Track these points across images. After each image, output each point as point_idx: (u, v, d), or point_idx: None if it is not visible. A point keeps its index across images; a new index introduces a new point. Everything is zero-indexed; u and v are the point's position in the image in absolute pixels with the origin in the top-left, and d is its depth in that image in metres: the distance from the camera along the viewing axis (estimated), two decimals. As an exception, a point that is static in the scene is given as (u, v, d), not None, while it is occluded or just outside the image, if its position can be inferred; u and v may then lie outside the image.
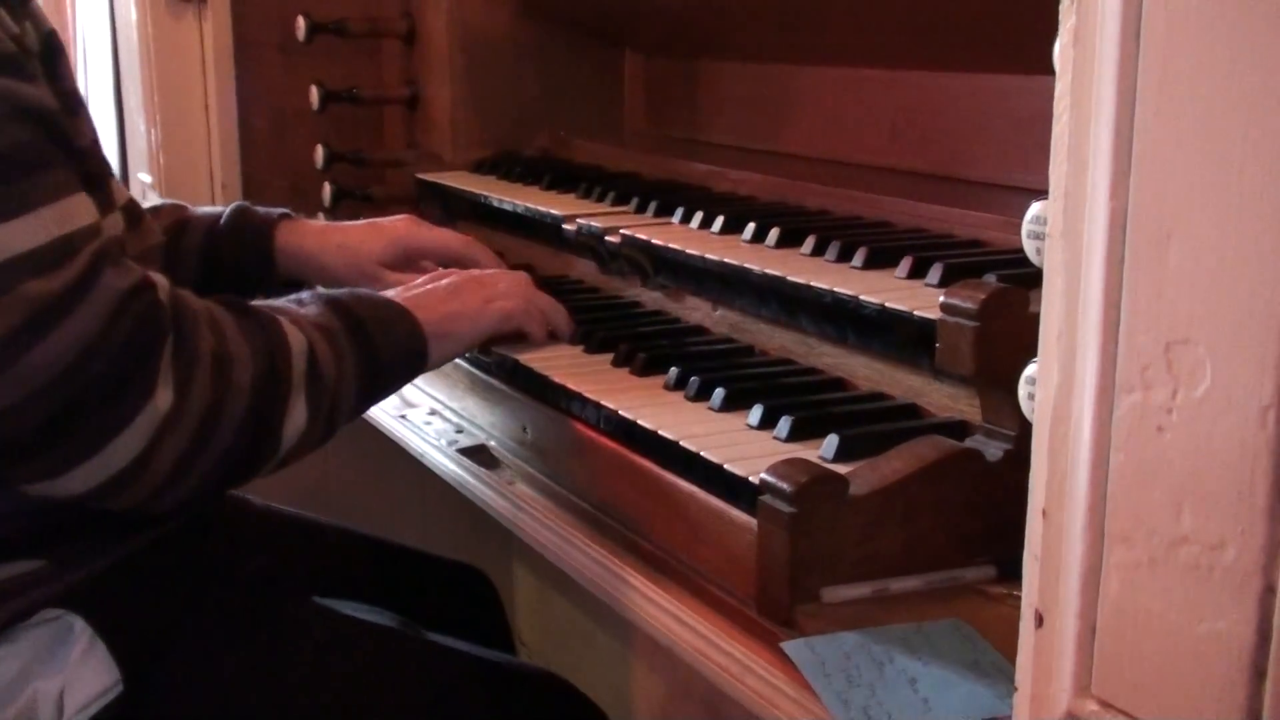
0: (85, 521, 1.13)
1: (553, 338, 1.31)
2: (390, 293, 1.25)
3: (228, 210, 1.50)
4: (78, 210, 1.00)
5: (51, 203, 0.98)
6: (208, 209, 1.53)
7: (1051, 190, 0.65)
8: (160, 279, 1.05)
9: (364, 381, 1.15)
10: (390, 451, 1.58)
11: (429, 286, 1.27)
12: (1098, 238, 0.58)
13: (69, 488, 1.00)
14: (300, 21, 2.05)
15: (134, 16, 2.19)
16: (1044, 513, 0.62)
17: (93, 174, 1.11)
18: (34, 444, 0.97)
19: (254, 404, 1.06)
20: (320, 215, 2.12)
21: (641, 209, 1.60)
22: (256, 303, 1.14)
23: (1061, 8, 0.66)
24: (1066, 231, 0.61)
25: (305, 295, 1.19)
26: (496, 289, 1.28)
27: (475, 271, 1.34)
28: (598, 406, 1.23)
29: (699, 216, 1.49)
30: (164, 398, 0.99)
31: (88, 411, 0.97)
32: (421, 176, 2.02)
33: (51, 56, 1.11)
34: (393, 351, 1.18)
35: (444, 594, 1.58)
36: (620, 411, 1.20)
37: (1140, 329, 0.56)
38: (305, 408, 1.10)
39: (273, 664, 1.21)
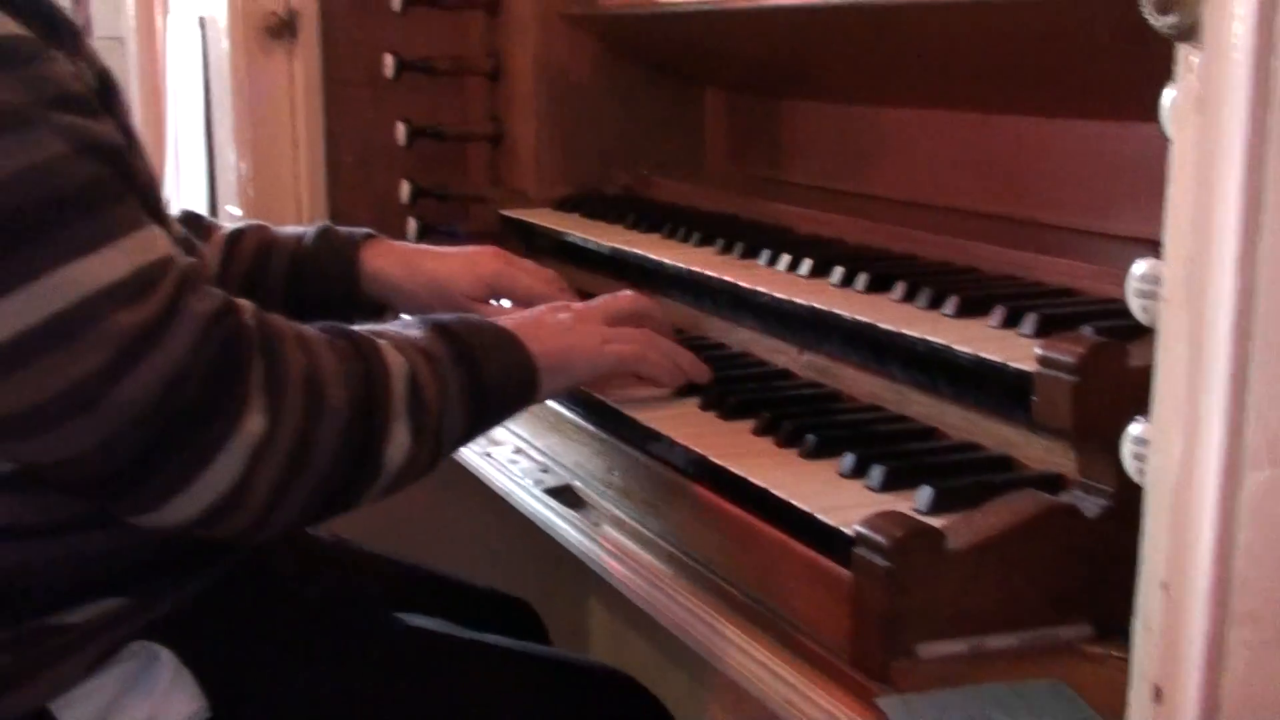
0: (166, 557, 1.14)
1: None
2: (505, 320, 1.24)
3: (312, 231, 1.50)
4: (154, 241, 1.01)
5: (130, 234, 0.99)
6: (291, 229, 1.53)
7: (1169, 255, 0.65)
8: (245, 302, 1.05)
9: (470, 408, 1.14)
10: (463, 482, 1.59)
11: (546, 319, 1.27)
12: (1223, 310, 0.58)
13: (169, 519, 1.00)
14: (389, 60, 2.08)
15: (226, 52, 2.23)
16: (1164, 586, 0.61)
17: (153, 207, 1.12)
18: (130, 477, 0.98)
19: (351, 426, 1.05)
20: (404, 248, 2.14)
21: (727, 250, 1.60)
22: (358, 327, 1.14)
23: (1177, 68, 0.65)
24: (1189, 301, 0.60)
25: (412, 319, 1.19)
26: (614, 331, 1.28)
27: (599, 304, 1.34)
28: (686, 451, 1.23)
29: (786, 259, 1.49)
30: (256, 422, 0.99)
31: (180, 441, 0.97)
32: (505, 213, 2.04)
33: (108, 93, 1.12)
34: (502, 380, 1.17)
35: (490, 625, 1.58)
36: (709, 456, 1.20)
37: (1270, 405, 0.55)
38: (408, 432, 1.08)
39: (353, 679, 1.22)
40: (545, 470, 1.45)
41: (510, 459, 1.50)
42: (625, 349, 1.29)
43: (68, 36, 1.05)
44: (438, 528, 2.25)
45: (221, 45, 2.27)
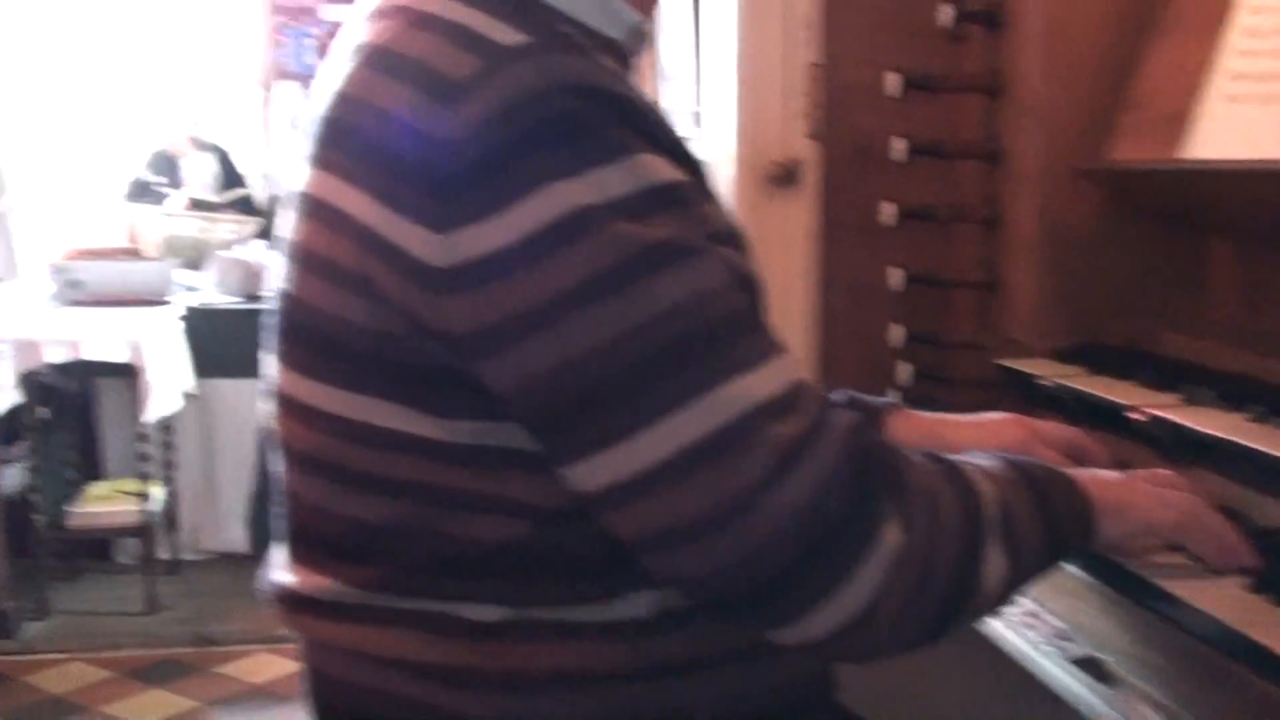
0: None
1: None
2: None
3: (840, 396, 1.56)
4: (794, 362, 1.09)
5: (778, 354, 1.07)
6: None
7: None
8: (861, 424, 1.10)
9: (1046, 540, 1.15)
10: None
11: (1094, 472, 1.27)
12: None
13: (809, 633, 1.04)
14: (889, 207, 2.13)
15: (730, 197, 2.36)
16: None
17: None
18: (777, 587, 1.02)
19: (963, 545, 1.07)
20: (888, 391, 2.17)
21: (1264, 417, 1.52)
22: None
23: None
24: None
25: (977, 452, 1.21)
26: (1167, 492, 1.26)
27: (1140, 473, 1.32)
28: (1243, 639, 1.17)
29: (1337, 433, 1.40)
30: (893, 535, 1.03)
31: (826, 551, 1.01)
32: (1002, 362, 2.03)
33: (735, 234, 1.20)
34: (1068, 515, 1.17)
35: None
36: (1274, 649, 1.13)
37: None
38: (1003, 557, 1.10)
39: None
40: (1065, 638, 1.41)
41: (1025, 621, 1.48)
42: (1180, 516, 1.26)
43: (707, 183, 1.16)
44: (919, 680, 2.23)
45: (726, 190, 2.41)
